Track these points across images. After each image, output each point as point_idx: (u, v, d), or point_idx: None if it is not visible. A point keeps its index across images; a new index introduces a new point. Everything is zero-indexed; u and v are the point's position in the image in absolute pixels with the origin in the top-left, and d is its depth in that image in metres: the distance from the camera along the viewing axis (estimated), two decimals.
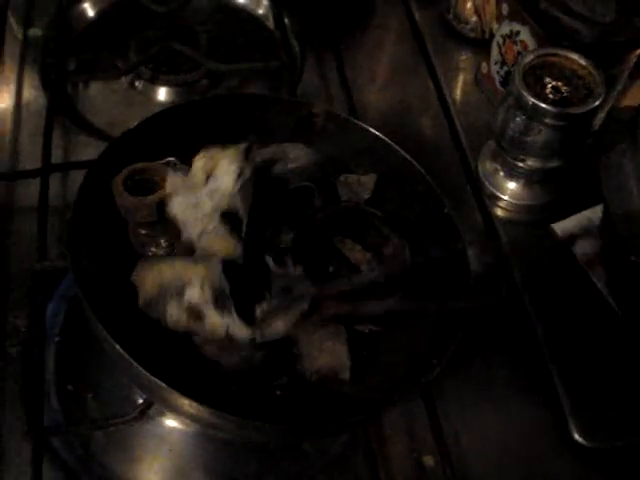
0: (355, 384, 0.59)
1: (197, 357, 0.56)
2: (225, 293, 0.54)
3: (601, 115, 0.83)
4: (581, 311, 0.76)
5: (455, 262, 0.61)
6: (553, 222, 0.80)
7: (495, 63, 0.87)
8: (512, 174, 0.80)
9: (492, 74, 0.88)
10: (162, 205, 0.58)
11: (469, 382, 0.71)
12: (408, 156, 0.65)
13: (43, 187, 0.72)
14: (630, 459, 0.69)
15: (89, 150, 0.79)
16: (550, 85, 0.74)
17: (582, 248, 0.78)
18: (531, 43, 0.80)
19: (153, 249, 0.58)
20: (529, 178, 0.80)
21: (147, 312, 0.55)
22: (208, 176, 0.58)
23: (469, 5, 0.93)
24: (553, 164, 0.77)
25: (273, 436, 0.59)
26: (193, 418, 0.56)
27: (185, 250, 0.57)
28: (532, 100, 0.72)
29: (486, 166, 0.83)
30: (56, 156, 0.77)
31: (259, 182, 0.59)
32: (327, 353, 0.58)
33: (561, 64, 0.75)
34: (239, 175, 0.57)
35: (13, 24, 0.89)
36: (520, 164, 0.78)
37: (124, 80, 0.87)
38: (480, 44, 0.92)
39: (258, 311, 0.55)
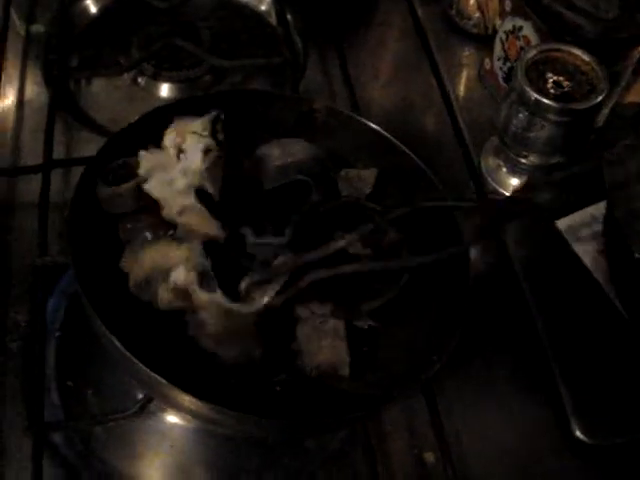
0: (354, 380, 0.58)
1: (195, 351, 0.56)
2: (208, 273, 0.54)
3: (605, 111, 0.82)
4: (584, 309, 0.75)
5: (455, 259, 0.60)
6: (556, 219, 0.80)
7: (498, 59, 0.86)
8: (515, 170, 0.80)
9: (495, 70, 0.88)
10: (140, 196, 0.58)
11: (470, 379, 0.70)
12: (409, 151, 0.65)
13: (44, 183, 0.72)
14: (632, 456, 0.68)
15: (91, 146, 0.78)
16: (552, 80, 0.73)
17: (585, 245, 0.77)
18: (534, 39, 0.80)
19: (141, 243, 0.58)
20: (532, 174, 0.80)
21: (138, 295, 0.56)
22: (179, 151, 0.58)
23: (472, 1, 0.92)
24: (556, 160, 0.77)
25: (272, 431, 0.59)
26: (193, 413, 0.56)
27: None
28: (535, 96, 0.72)
29: (489, 162, 0.83)
30: (58, 152, 0.77)
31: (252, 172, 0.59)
32: (326, 349, 0.58)
33: (564, 60, 0.75)
34: (205, 153, 0.58)
35: (16, 20, 0.89)
36: (523, 160, 0.78)
37: (126, 76, 0.87)
38: (483, 40, 0.92)
39: (242, 286, 0.56)
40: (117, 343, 0.52)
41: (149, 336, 0.55)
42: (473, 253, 0.75)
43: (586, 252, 0.77)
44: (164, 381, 0.51)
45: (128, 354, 0.51)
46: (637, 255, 0.65)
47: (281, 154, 0.62)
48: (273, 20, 0.93)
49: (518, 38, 0.82)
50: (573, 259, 0.77)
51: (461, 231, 0.61)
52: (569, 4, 0.76)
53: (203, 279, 0.54)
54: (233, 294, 0.55)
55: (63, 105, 0.82)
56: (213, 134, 0.60)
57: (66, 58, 0.87)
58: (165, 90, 0.87)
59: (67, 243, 0.58)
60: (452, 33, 0.96)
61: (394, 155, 0.66)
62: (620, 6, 0.77)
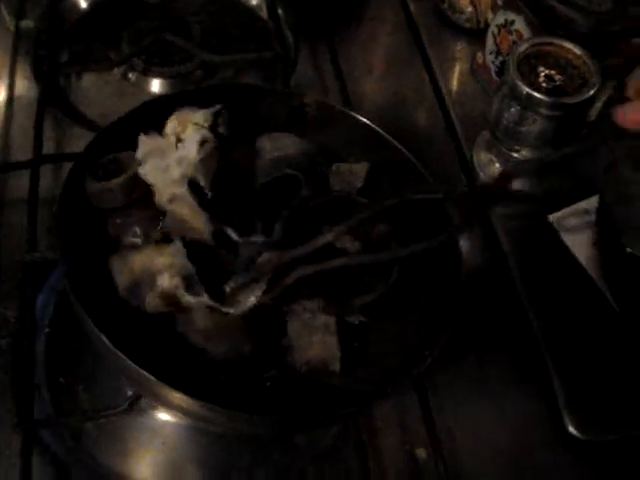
0: (345, 376, 0.58)
1: (184, 348, 0.56)
2: (193, 277, 0.54)
3: (598, 105, 0.82)
4: (577, 303, 0.75)
5: (447, 252, 0.60)
6: (549, 213, 0.79)
7: (490, 53, 0.86)
8: (507, 164, 0.80)
9: (487, 64, 0.87)
10: (130, 190, 0.58)
11: (462, 375, 0.70)
12: (400, 146, 0.65)
13: (33, 178, 0.72)
14: (624, 452, 0.68)
15: (81, 142, 0.76)
16: (543, 74, 0.73)
17: (577, 239, 0.77)
18: (526, 32, 0.80)
19: (130, 238, 0.58)
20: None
21: (128, 300, 0.55)
22: (178, 140, 0.58)
23: None
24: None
25: (263, 428, 0.58)
26: (182, 410, 0.55)
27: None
28: (526, 90, 0.72)
29: (481, 156, 0.83)
30: (48, 148, 0.77)
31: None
32: (317, 345, 0.58)
33: (556, 53, 0.75)
34: (202, 144, 0.58)
35: (5, 16, 0.88)
36: (515, 154, 0.78)
37: (117, 72, 0.86)
38: (475, 34, 0.92)
39: (227, 289, 0.55)
40: (106, 341, 0.51)
41: (138, 333, 0.55)
42: (466, 247, 0.76)
43: (578, 246, 0.76)
44: (153, 378, 0.51)
45: (117, 351, 0.51)
46: (629, 250, 0.65)
47: (271, 148, 0.62)
48: (264, 14, 0.93)
49: (510, 32, 0.82)
50: (565, 253, 0.77)
51: (451, 221, 0.61)
52: None
53: (188, 283, 0.54)
54: (219, 296, 0.55)
55: (53, 100, 0.82)
56: (214, 127, 0.60)
57: (56, 53, 0.86)
58: (156, 85, 0.86)
59: (55, 239, 0.57)
60: (444, 27, 0.96)
61: (385, 149, 0.66)
62: None
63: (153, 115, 0.61)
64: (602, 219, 0.74)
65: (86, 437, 0.64)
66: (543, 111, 0.72)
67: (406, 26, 0.95)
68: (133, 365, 0.51)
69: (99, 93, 0.85)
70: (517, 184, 0.79)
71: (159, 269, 0.54)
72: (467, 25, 0.94)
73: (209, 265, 0.56)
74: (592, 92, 0.72)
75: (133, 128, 0.60)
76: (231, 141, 0.61)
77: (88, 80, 0.86)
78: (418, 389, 0.65)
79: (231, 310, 0.55)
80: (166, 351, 0.56)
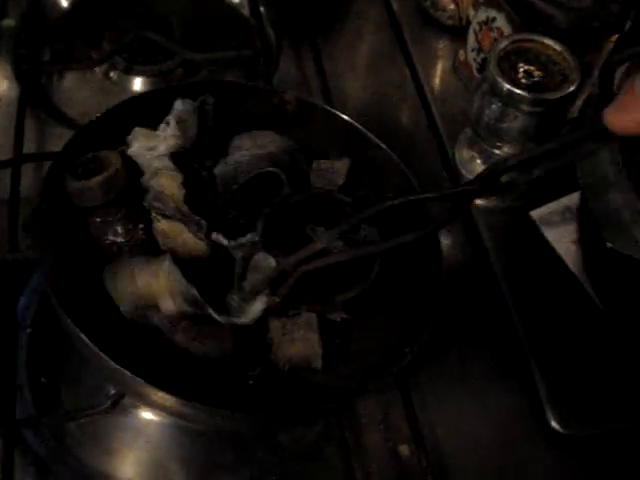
0: (327, 373, 0.58)
1: (167, 347, 0.56)
2: (196, 296, 0.54)
3: (578, 103, 0.82)
4: (559, 299, 0.76)
5: (428, 249, 0.60)
6: (531, 209, 0.80)
7: (472, 50, 0.86)
8: (489, 161, 0.80)
9: (469, 61, 0.87)
10: (110, 189, 0.57)
11: (445, 371, 0.70)
12: (381, 143, 0.65)
13: (14, 178, 0.72)
14: (606, 446, 0.68)
15: (63, 141, 0.75)
16: (522, 70, 0.73)
17: (560, 235, 0.78)
18: (507, 30, 0.80)
19: (111, 237, 0.58)
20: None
21: (137, 321, 0.56)
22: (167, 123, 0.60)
23: None
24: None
25: (245, 425, 0.59)
26: (165, 409, 0.55)
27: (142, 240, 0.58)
28: (507, 86, 0.72)
29: (463, 154, 0.83)
30: (30, 147, 0.77)
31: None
32: (299, 342, 0.58)
33: (536, 50, 0.75)
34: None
35: None
36: (496, 151, 0.78)
37: (98, 70, 0.86)
38: (458, 31, 0.92)
39: (233, 302, 0.56)
40: (87, 341, 0.51)
41: (120, 332, 0.55)
42: (447, 243, 0.76)
43: (560, 242, 0.77)
44: (136, 378, 0.50)
45: (99, 352, 0.51)
46: (609, 245, 0.65)
47: (252, 146, 0.62)
48: (246, 12, 0.92)
49: (491, 29, 0.82)
50: (547, 249, 0.77)
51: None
52: None
53: (191, 303, 0.54)
54: (222, 306, 0.55)
55: (34, 100, 0.81)
56: (201, 115, 0.61)
57: (37, 52, 0.86)
58: (138, 84, 0.86)
59: (36, 238, 0.57)
60: (427, 25, 0.96)
61: (367, 147, 0.66)
62: None
63: (133, 113, 0.61)
64: (583, 215, 0.74)
65: (68, 437, 0.64)
66: (524, 107, 0.72)
67: (389, 24, 0.95)
68: (115, 365, 0.51)
69: (81, 92, 0.85)
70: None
71: (159, 293, 0.54)
72: (449, 23, 0.94)
73: (204, 275, 0.56)
74: (573, 88, 0.72)
75: (112, 126, 0.60)
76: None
77: (69, 79, 0.86)
78: (401, 386, 0.65)
79: (242, 320, 0.55)
80: (148, 350, 0.55)
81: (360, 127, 0.65)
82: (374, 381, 0.57)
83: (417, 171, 0.65)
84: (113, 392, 0.62)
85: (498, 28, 0.81)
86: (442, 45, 0.95)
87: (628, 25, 0.77)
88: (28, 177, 0.74)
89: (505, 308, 0.74)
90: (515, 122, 0.74)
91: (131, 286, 0.55)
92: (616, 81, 0.74)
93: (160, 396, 0.51)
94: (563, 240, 0.77)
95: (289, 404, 0.56)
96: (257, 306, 0.55)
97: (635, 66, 0.69)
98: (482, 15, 0.83)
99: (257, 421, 0.56)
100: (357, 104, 0.89)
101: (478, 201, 0.81)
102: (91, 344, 0.51)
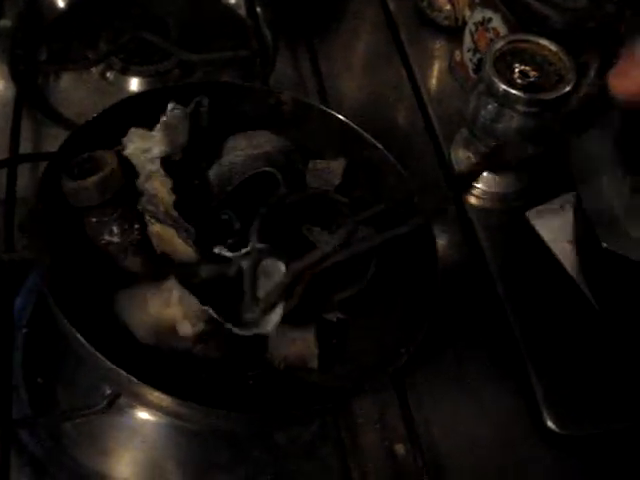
0: (323, 373, 0.58)
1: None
2: (212, 315, 0.54)
3: (574, 102, 0.82)
4: (555, 299, 0.76)
5: (423, 248, 0.60)
6: (527, 210, 0.80)
7: (468, 51, 0.87)
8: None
9: (465, 62, 0.88)
10: (106, 189, 0.57)
11: (441, 370, 0.71)
12: (377, 143, 0.65)
13: (10, 178, 0.72)
14: (602, 446, 0.69)
15: (59, 142, 0.77)
16: (518, 70, 0.73)
17: (555, 235, 0.78)
18: (503, 30, 0.80)
19: (107, 237, 0.58)
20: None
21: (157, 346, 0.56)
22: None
23: None
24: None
25: (241, 425, 0.59)
26: (161, 409, 0.55)
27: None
28: (503, 87, 0.72)
29: (459, 154, 0.83)
30: (26, 148, 0.77)
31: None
32: (295, 341, 0.58)
33: (532, 50, 0.75)
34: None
35: None
36: None
37: (95, 71, 0.86)
38: (454, 32, 0.92)
39: (247, 311, 0.56)
40: (84, 341, 0.51)
41: (116, 333, 0.55)
42: (443, 243, 0.76)
43: (556, 242, 0.77)
44: (132, 378, 0.50)
45: (95, 352, 0.51)
46: (605, 245, 0.65)
47: (248, 146, 0.62)
48: (243, 12, 0.92)
49: (487, 30, 0.82)
50: (543, 249, 0.77)
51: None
52: None
53: (211, 323, 0.54)
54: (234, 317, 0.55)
55: (30, 100, 0.81)
56: (195, 116, 0.61)
57: (34, 52, 0.86)
58: (134, 84, 0.86)
59: (32, 238, 0.57)
60: (423, 26, 0.96)
61: (363, 147, 0.66)
62: None
63: (129, 113, 0.61)
64: (578, 215, 0.74)
65: (65, 437, 0.64)
66: (520, 108, 0.73)
67: (385, 24, 0.95)
68: (111, 365, 0.51)
69: (77, 92, 0.85)
70: (491, 181, 0.81)
71: (175, 319, 0.55)
72: (445, 23, 0.94)
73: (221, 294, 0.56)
74: (568, 88, 0.73)
75: (108, 126, 0.60)
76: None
77: (66, 79, 0.86)
78: (397, 386, 0.65)
79: (264, 330, 0.55)
80: (145, 350, 0.55)
81: (356, 127, 0.65)
82: (370, 381, 0.57)
83: (413, 171, 0.65)
84: (109, 392, 0.62)
85: (494, 29, 0.81)
86: (438, 45, 0.95)
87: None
88: (24, 177, 0.74)
89: (501, 308, 0.74)
90: (511, 122, 0.74)
91: (145, 315, 0.55)
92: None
93: (156, 396, 0.51)
94: (559, 240, 0.77)
95: (285, 404, 0.56)
96: (276, 313, 0.55)
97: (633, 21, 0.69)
98: (478, 16, 0.83)
99: (253, 421, 0.56)
100: (353, 104, 0.89)
101: (473, 201, 0.82)
102: (87, 344, 0.51)
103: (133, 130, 0.60)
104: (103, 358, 0.51)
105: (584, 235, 0.74)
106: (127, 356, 0.52)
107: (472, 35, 0.85)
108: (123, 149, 0.60)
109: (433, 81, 0.92)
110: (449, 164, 0.83)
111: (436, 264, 0.60)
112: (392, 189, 0.64)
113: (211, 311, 0.54)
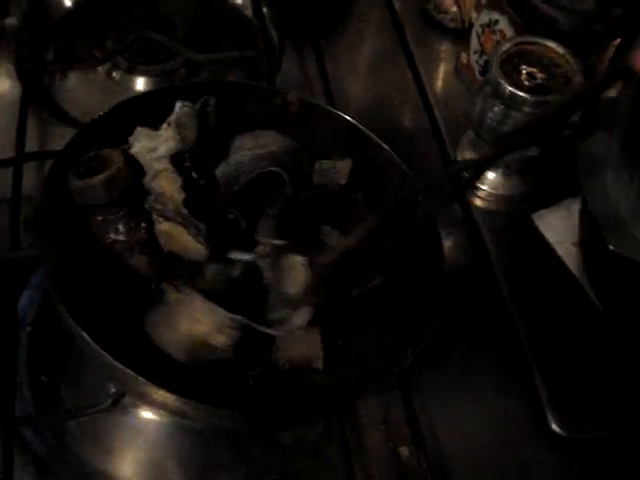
0: (328, 373, 0.58)
1: None
2: (243, 322, 0.54)
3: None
4: (560, 301, 0.75)
5: (429, 250, 0.60)
6: (532, 212, 0.80)
7: (474, 53, 0.86)
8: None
9: (472, 64, 0.87)
10: (112, 187, 0.57)
11: (446, 373, 0.70)
12: (383, 144, 0.65)
13: (16, 176, 0.72)
14: (607, 449, 0.68)
15: (65, 141, 0.76)
16: (525, 72, 0.73)
17: (561, 238, 0.78)
18: (509, 32, 0.80)
19: (113, 236, 0.58)
20: (508, 168, 0.80)
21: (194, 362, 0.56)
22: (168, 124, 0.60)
23: None
24: (532, 153, 0.77)
25: (245, 424, 0.58)
26: (165, 408, 0.55)
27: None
28: (510, 89, 0.72)
29: (465, 156, 0.83)
30: (32, 146, 0.77)
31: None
32: (300, 342, 0.58)
33: (539, 52, 0.75)
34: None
35: None
36: None
37: (101, 70, 0.86)
38: (460, 34, 0.92)
39: (273, 309, 0.57)
40: (89, 339, 0.51)
41: (121, 331, 0.55)
42: (449, 245, 0.76)
43: (561, 244, 0.77)
44: (138, 377, 0.50)
45: (100, 350, 0.51)
46: (611, 247, 0.65)
47: (254, 146, 0.62)
48: (249, 13, 0.92)
49: (494, 32, 0.82)
50: (549, 251, 0.77)
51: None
52: None
53: (243, 329, 0.55)
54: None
55: (37, 99, 0.82)
56: (202, 116, 0.61)
57: (40, 52, 0.86)
58: (140, 84, 0.86)
59: (38, 236, 0.57)
60: (429, 27, 0.96)
61: (369, 148, 0.66)
62: None
63: (135, 112, 0.61)
64: (584, 217, 0.74)
65: (68, 436, 0.64)
66: (526, 110, 0.72)
67: (391, 26, 0.95)
68: (117, 363, 0.51)
69: (83, 91, 0.85)
70: (497, 183, 0.81)
71: (207, 334, 0.55)
72: (452, 25, 0.94)
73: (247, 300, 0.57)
74: None
75: (115, 125, 0.60)
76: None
77: (72, 78, 0.86)
78: (402, 387, 0.65)
79: (295, 326, 0.56)
80: (150, 349, 0.55)
81: (362, 128, 0.65)
82: (375, 382, 0.57)
83: (419, 173, 0.65)
84: (114, 391, 0.62)
85: (500, 30, 0.81)
86: (444, 47, 0.95)
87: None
88: (30, 176, 0.74)
89: (506, 310, 0.74)
90: (518, 124, 0.74)
91: (176, 334, 0.56)
92: None
93: (161, 394, 0.51)
94: (564, 242, 0.77)
95: (290, 403, 0.56)
96: (305, 309, 0.56)
97: None
98: (484, 18, 0.83)
99: (257, 420, 0.56)
100: (359, 105, 0.89)
101: (478, 203, 0.82)
102: (92, 342, 0.51)
103: (139, 129, 0.60)
104: (109, 357, 0.51)
105: (589, 237, 0.74)
106: (132, 354, 0.52)
107: (479, 37, 0.85)
108: (129, 148, 0.60)
109: (439, 83, 0.92)
110: None
111: (442, 266, 0.60)
112: (397, 189, 0.64)
113: (240, 317, 0.54)
